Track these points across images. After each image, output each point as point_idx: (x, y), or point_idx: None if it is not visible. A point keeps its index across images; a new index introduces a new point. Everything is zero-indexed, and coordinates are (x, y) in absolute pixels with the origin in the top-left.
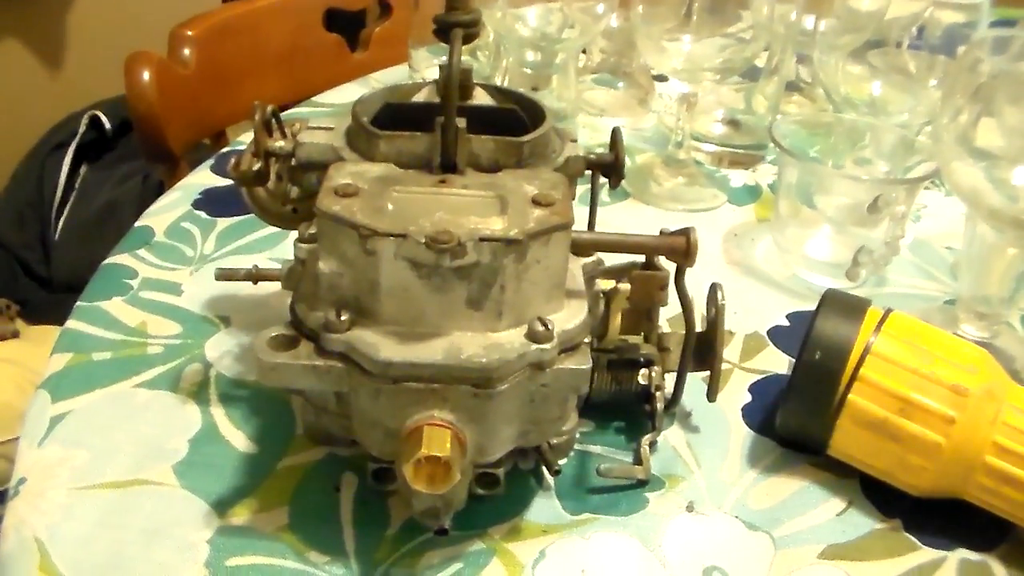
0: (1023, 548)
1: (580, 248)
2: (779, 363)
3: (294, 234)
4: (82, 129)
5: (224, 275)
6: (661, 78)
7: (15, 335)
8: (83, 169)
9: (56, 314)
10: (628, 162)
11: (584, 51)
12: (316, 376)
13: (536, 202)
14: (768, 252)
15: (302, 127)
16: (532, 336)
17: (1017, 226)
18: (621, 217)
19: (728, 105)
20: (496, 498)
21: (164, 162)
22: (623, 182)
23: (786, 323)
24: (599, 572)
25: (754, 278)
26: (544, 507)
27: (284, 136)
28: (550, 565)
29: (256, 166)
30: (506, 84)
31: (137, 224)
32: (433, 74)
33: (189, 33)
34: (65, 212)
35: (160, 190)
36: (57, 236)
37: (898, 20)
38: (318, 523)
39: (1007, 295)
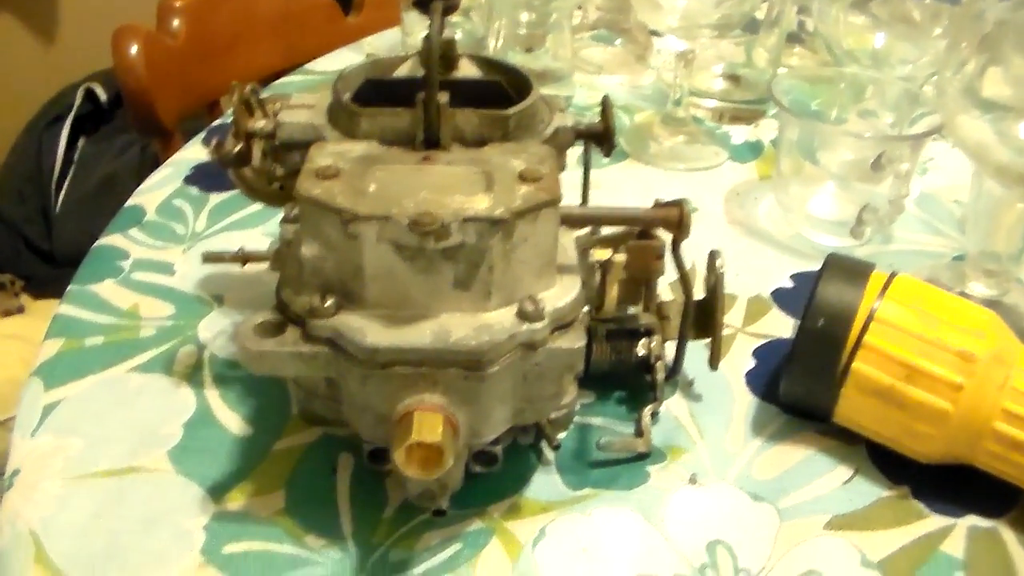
0: None
1: (571, 222)
2: (783, 326)
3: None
4: (78, 102)
5: (212, 258)
6: (659, 34)
7: (20, 310)
8: (81, 142)
9: (60, 288)
10: (626, 121)
11: (580, 8)
12: (303, 363)
13: (523, 177)
14: (771, 211)
15: (283, 105)
16: (523, 316)
17: None
18: (619, 178)
19: (728, 59)
20: (495, 475)
21: (157, 135)
22: (622, 142)
23: (790, 284)
24: (600, 549)
25: (757, 238)
26: (544, 483)
27: (265, 115)
28: (550, 544)
29: (237, 147)
30: (500, 44)
31: (128, 203)
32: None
33: (177, 4)
34: (65, 186)
35: (158, 162)
36: (58, 210)
37: None
38: (315, 506)
39: (1016, 251)
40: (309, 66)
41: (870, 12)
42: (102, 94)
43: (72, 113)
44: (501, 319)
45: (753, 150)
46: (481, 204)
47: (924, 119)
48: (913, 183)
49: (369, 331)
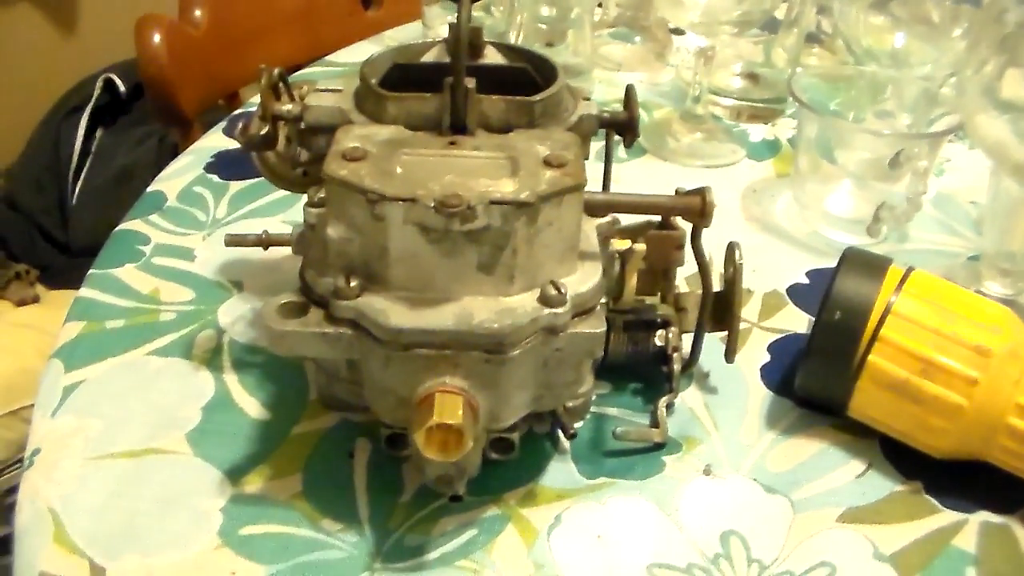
0: None
1: (593, 209)
2: (798, 322)
3: (305, 197)
4: (96, 92)
5: (234, 241)
6: (678, 31)
7: (35, 300)
8: (99, 133)
9: (75, 278)
10: (645, 117)
11: (600, 5)
12: (326, 344)
13: (548, 163)
14: (788, 208)
15: (310, 89)
16: (544, 300)
17: None
18: (638, 174)
19: (747, 58)
20: (511, 463)
21: (177, 125)
22: (640, 138)
23: (806, 281)
24: (615, 537)
25: (773, 235)
26: (560, 471)
27: (292, 99)
28: (566, 530)
29: (264, 130)
30: (520, 40)
31: (149, 189)
32: (445, 32)
33: None
34: (82, 176)
35: (176, 152)
36: (74, 201)
37: None
38: (332, 490)
39: None
40: (330, 58)
41: (890, 12)
42: (121, 85)
43: (91, 104)
44: (523, 303)
45: (771, 148)
46: (507, 188)
47: (942, 119)
48: (930, 183)
49: (392, 313)
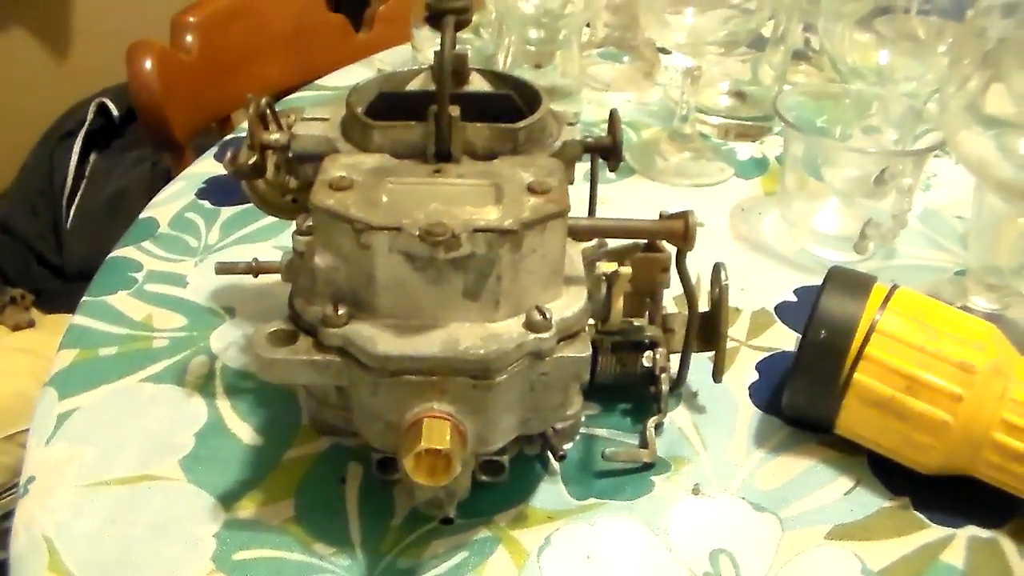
0: None
1: (578, 234)
2: (787, 340)
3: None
4: (90, 117)
5: (224, 269)
6: (666, 51)
7: (30, 324)
8: (92, 157)
9: (70, 302)
10: (633, 137)
11: (588, 25)
12: (315, 371)
13: (532, 190)
14: (775, 226)
15: (297, 118)
16: (530, 325)
17: None
18: (626, 194)
19: (734, 76)
20: (501, 485)
21: (169, 150)
22: (629, 158)
23: (793, 299)
24: (605, 558)
25: (761, 253)
26: (549, 492)
27: (280, 128)
28: (555, 552)
29: (252, 159)
30: (509, 61)
31: (142, 216)
32: (433, 56)
33: (191, 19)
34: (76, 201)
35: (169, 176)
36: (69, 224)
37: None
38: (324, 514)
39: (1017, 265)
40: (320, 82)
41: (875, 29)
42: (114, 109)
43: (84, 128)
44: (509, 329)
45: (758, 166)
46: (491, 215)
47: (928, 135)
48: (916, 199)
49: (380, 340)
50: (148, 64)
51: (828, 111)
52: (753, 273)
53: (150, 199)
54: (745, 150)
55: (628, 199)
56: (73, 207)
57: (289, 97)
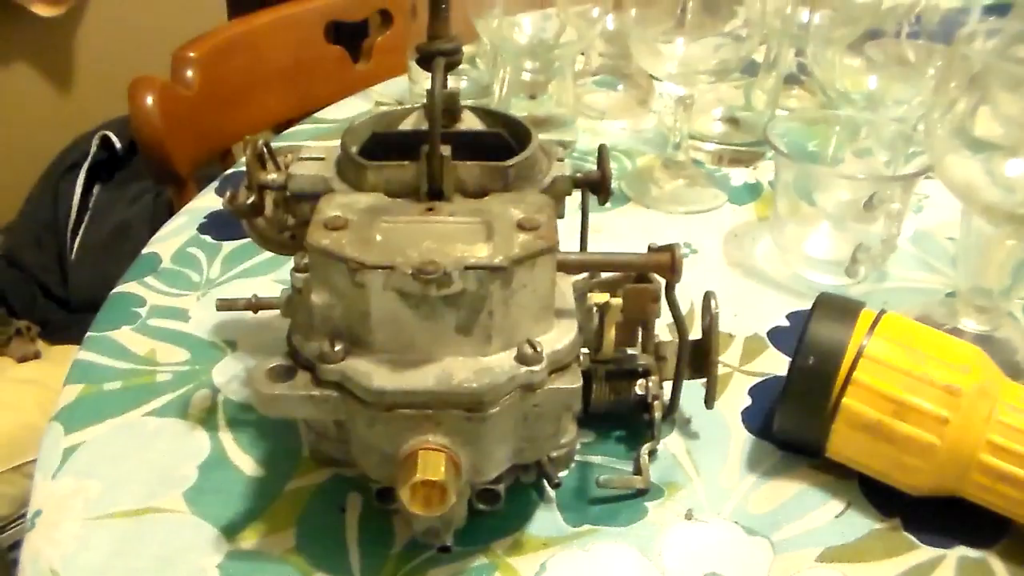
0: (1022, 544)
1: (568, 268)
2: (779, 365)
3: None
4: (93, 149)
5: (225, 305)
6: (660, 79)
7: (37, 356)
8: (96, 189)
9: (76, 333)
10: (628, 165)
11: (582, 55)
12: (314, 406)
13: (521, 226)
14: (768, 251)
15: (294, 158)
16: (522, 359)
17: (1014, 220)
18: (621, 222)
19: (727, 102)
20: (497, 513)
21: (171, 183)
22: (623, 186)
23: (786, 323)
24: None
25: (754, 279)
26: (545, 520)
27: (277, 168)
28: None
29: (251, 199)
30: (505, 91)
31: (144, 251)
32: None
33: (191, 54)
34: (80, 232)
35: (171, 209)
36: (73, 256)
37: (895, 9)
38: (324, 544)
39: (1006, 287)
40: (319, 115)
41: (865, 54)
42: (117, 142)
43: (88, 161)
44: (501, 362)
45: (752, 192)
46: (481, 252)
47: (918, 158)
48: (907, 221)
49: (376, 375)
50: (149, 100)
51: (819, 135)
52: (746, 299)
53: (153, 231)
54: (739, 176)
55: (622, 227)
56: (77, 239)
57: (289, 130)
